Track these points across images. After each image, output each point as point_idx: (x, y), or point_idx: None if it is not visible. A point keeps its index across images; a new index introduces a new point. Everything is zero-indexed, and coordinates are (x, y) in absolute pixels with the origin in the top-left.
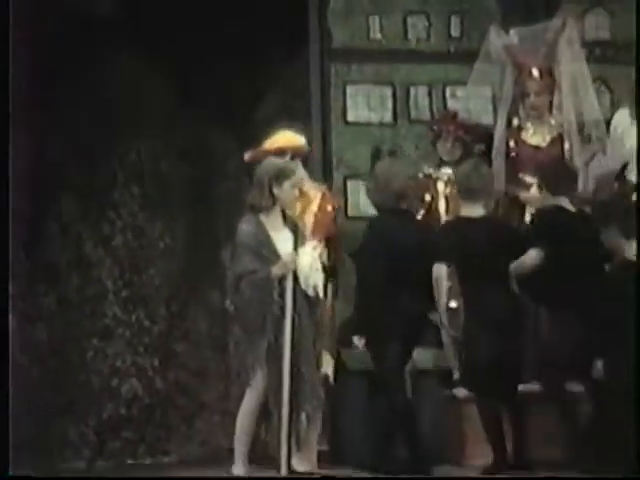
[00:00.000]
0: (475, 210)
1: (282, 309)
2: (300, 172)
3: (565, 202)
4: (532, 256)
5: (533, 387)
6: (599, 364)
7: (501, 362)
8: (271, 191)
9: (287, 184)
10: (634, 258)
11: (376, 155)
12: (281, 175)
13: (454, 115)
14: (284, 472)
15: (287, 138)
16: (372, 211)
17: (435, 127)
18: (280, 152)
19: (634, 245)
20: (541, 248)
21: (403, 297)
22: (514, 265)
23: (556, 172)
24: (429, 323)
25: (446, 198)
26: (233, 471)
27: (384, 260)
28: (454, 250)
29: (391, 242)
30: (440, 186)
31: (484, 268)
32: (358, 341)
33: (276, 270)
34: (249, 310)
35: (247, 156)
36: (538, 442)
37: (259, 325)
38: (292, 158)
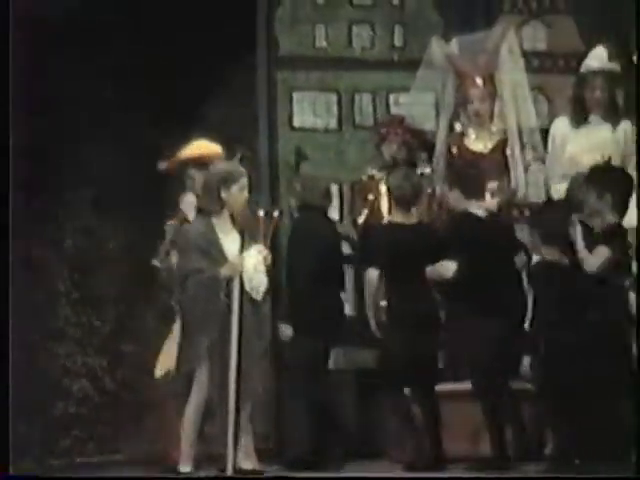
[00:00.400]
0: (407, 216)
1: (228, 308)
2: None
3: (474, 207)
4: (446, 267)
5: (461, 385)
6: (526, 361)
7: (416, 361)
8: (219, 195)
9: (235, 188)
10: (552, 258)
11: (299, 155)
12: (229, 179)
13: (401, 120)
14: (230, 469)
15: (203, 147)
16: None
17: (382, 130)
18: (196, 161)
19: (551, 249)
20: (455, 258)
21: (327, 295)
22: (429, 270)
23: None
24: (358, 322)
25: (389, 199)
26: (180, 469)
27: (308, 258)
28: (383, 254)
29: (314, 241)
30: (382, 188)
31: (409, 272)
32: (285, 329)
33: (225, 271)
34: (194, 308)
35: (162, 166)
36: (464, 438)
37: (203, 323)
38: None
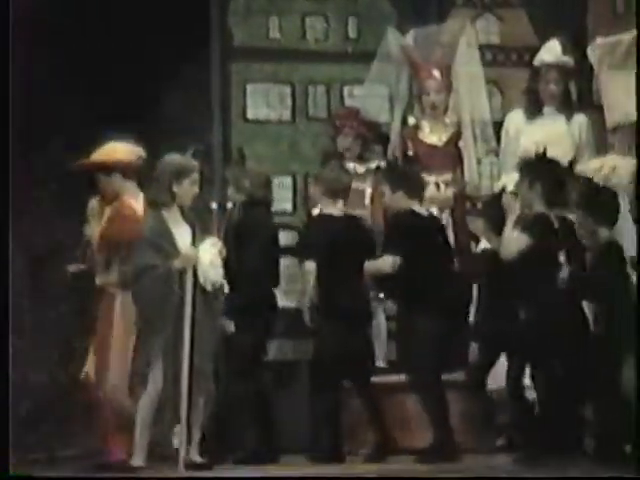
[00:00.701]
0: (336, 208)
1: (182, 302)
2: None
3: (416, 206)
4: (388, 262)
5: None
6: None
7: (348, 354)
8: (171, 188)
9: (187, 182)
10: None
11: (241, 155)
12: (182, 173)
13: (356, 112)
14: (182, 464)
15: (115, 152)
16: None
17: (337, 123)
18: (105, 167)
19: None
20: (396, 253)
21: (262, 289)
22: (368, 265)
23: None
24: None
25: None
26: (132, 462)
27: (246, 252)
28: (319, 246)
29: (253, 236)
30: None
31: (345, 265)
32: (228, 325)
33: (177, 264)
34: (149, 303)
35: (75, 166)
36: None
37: (158, 318)
38: (122, 174)
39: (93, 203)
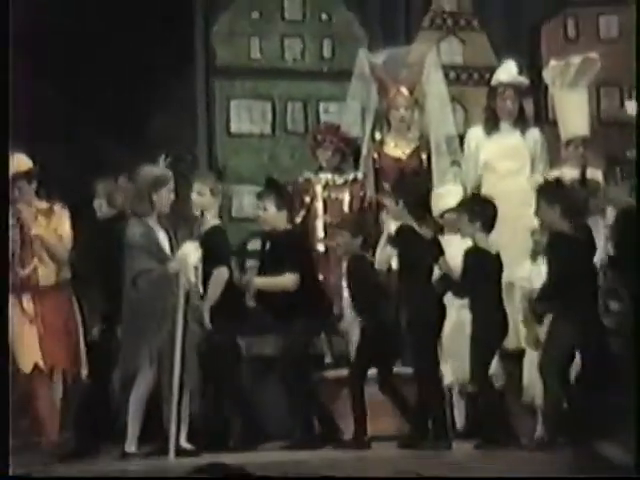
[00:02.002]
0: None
1: (176, 302)
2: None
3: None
4: (287, 280)
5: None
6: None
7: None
8: (150, 198)
9: (164, 190)
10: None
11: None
12: (159, 183)
13: (337, 128)
14: (172, 450)
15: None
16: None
17: (318, 137)
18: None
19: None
20: (294, 272)
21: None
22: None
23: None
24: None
25: (324, 200)
26: (126, 448)
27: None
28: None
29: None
30: (318, 189)
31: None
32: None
33: (174, 266)
34: (146, 305)
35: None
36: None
37: (155, 318)
38: (27, 181)
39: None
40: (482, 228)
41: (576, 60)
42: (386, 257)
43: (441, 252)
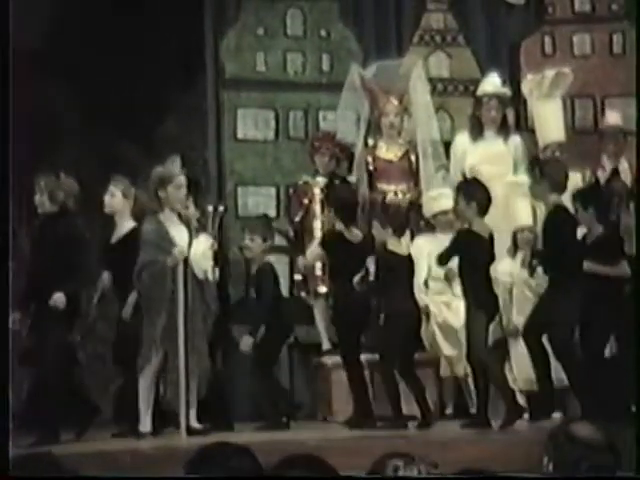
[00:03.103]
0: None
1: (174, 292)
2: None
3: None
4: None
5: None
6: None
7: None
8: (157, 195)
9: (171, 187)
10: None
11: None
12: (164, 180)
13: (333, 136)
14: (184, 431)
15: None
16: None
17: (316, 144)
18: None
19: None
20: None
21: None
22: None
23: None
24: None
25: (321, 202)
26: (140, 428)
27: None
28: None
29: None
30: (316, 191)
31: None
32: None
33: (170, 260)
34: (149, 295)
35: None
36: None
37: (157, 307)
38: None
39: None
40: (478, 210)
41: (550, 74)
42: (315, 256)
43: (372, 252)
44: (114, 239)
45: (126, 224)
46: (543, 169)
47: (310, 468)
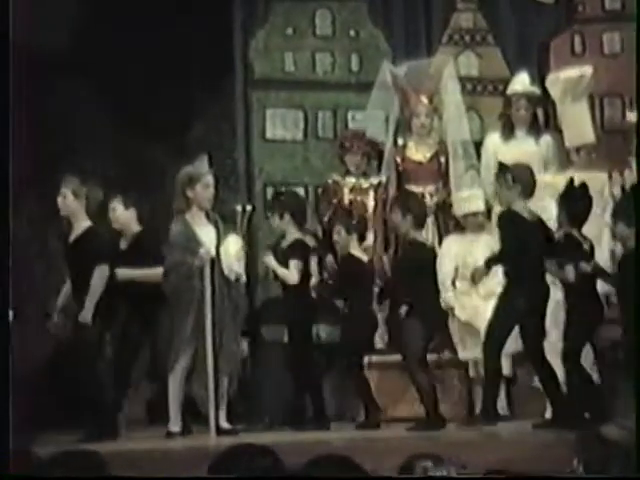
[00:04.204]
0: None
1: (202, 293)
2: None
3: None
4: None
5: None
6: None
7: None
8: (185, 194)
9: (198, 186)
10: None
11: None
12: (193, 179)
13: (363, 134)
14: (213, 430)
15: None
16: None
17: (347, 143)
18: None
19: None
20: None
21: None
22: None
23: None
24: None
25: (350, 202)
26: (170, 427)
27: None
28: None
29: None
30: (345, 192)
31: None
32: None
33: (197, 262)
34: (177, 296)
35: None
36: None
37: (185, 308)
38: None
39: None
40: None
41: (580, 74)
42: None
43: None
44: (71, 240)
45: (82, 224)
46: (514, 174)
47: (339, 468)
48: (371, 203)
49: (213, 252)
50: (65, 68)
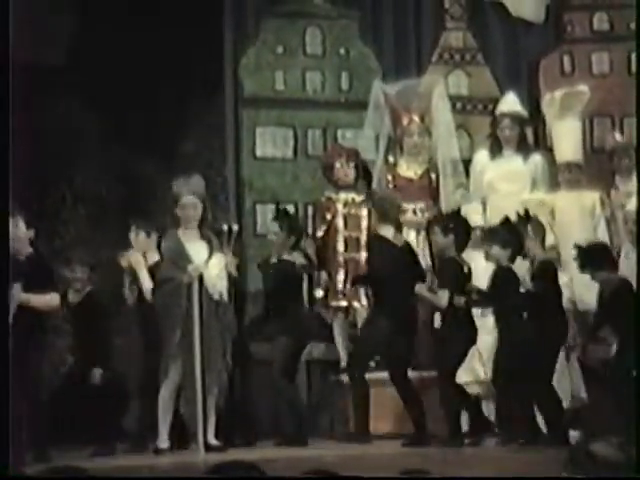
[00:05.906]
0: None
1: (188, 310)
2: None
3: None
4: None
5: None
6: None
7: None
8: (172, 212)
9: (179, 207)
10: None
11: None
12: (174, 200)
13: (355, 152)
14: (202, 447)
15: None
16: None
17: (334, 158)
18: None
19: None
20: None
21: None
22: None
23: None
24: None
25: (344, 216)
26: (158, 444)
27: None
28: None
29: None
30: (339, 206)
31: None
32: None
33: (185, 278)
34: (165, 312)
35: None
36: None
37: (172, 324)
38: None
39: None
40: (511, 257)
41: (559, 94)
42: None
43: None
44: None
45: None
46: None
47: None
48: (364, 215)
49: (203, 269)
50: (58, 85)
